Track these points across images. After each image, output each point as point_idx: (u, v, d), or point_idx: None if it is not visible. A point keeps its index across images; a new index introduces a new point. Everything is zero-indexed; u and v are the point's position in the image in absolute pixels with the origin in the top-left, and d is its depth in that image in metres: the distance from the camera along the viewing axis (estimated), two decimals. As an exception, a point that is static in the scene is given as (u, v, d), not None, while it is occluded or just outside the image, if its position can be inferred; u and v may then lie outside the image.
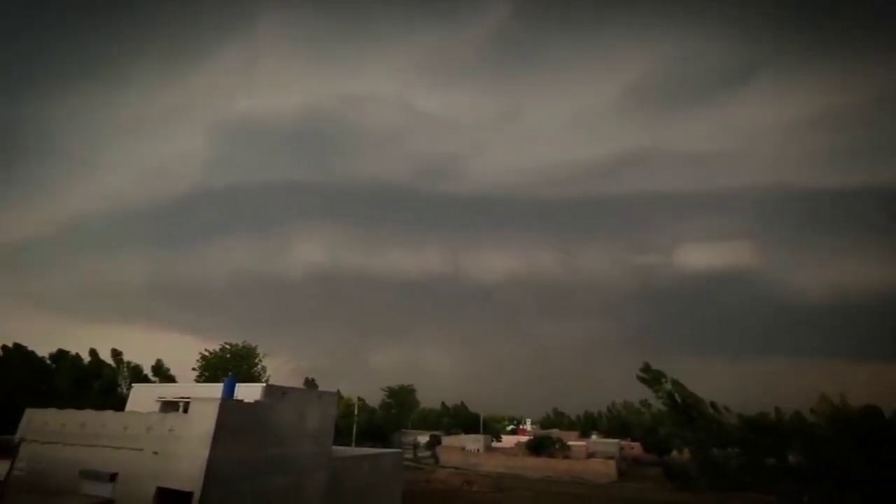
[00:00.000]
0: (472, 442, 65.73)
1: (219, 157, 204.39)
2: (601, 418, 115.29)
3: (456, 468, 55.70)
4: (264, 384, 20.41)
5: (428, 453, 63.47)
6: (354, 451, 29.25)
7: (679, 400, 54.82)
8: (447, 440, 68.97)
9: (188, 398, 19.02)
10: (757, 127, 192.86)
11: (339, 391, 23.39)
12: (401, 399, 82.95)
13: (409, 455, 62.72)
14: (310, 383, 79.59)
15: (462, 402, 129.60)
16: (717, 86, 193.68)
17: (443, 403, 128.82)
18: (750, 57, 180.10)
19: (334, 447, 27.81)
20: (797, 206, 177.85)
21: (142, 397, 22.57)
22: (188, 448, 16.11)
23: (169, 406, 21.14)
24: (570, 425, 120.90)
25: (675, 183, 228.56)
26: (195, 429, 16.39)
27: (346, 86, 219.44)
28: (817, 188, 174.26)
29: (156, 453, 16.63)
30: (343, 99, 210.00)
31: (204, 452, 15.69)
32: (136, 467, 16.70)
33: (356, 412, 57.82)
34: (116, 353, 51.59)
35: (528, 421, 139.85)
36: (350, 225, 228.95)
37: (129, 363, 51.35)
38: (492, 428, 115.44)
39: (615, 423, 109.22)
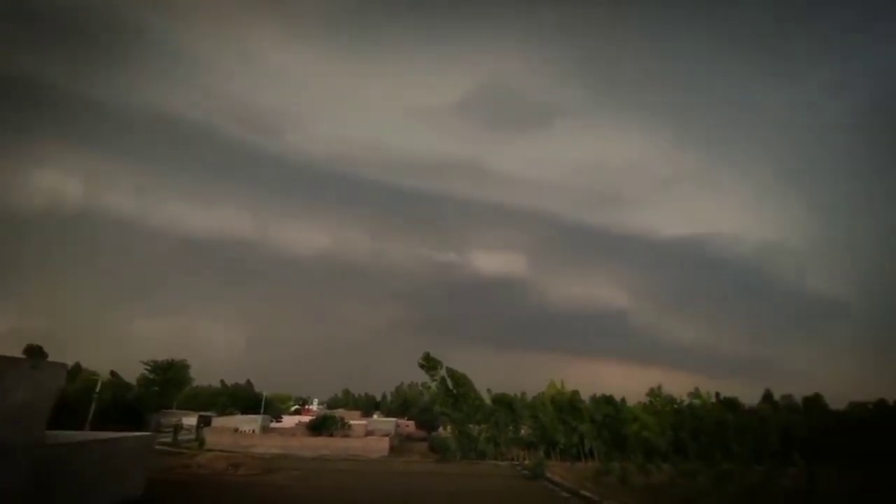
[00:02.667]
0: (248, 423, 61.75)
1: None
2: (385, 399, 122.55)
3: (225, 451, 51.51)
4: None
5: (193, 436, 56.87)
6: (85, 435, 24.23)
7: (450, 384, 62.81)
8: (218, 421, 63.09)
9: None
10: (555, 162, 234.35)
11: (66, 364, 19.08)
12: (168, 375, 72.04)
13: (168, 439, 55.23)
14: (34, 351, 62.25)
15: (248, 381, 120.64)
16: (537, 115, 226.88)
17: (222, 382, 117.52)
18: (565, 99, 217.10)
19: (59, 432, 22.69)
20: (564, 235, 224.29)
21: None
22: None
23: None
24: (357, 405, 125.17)
25: (479, 193, 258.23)
26: None
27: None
28: (579, 224, 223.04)
29: None
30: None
31: None
32: None
33: (98, 389, 47.65)
34: None
35: (315, 401, 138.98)
36: (117, 156, 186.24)
37: None
38: (276, 408, 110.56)
39: (397, 404, 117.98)
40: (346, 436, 63.86)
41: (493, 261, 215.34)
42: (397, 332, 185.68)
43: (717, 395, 65.96)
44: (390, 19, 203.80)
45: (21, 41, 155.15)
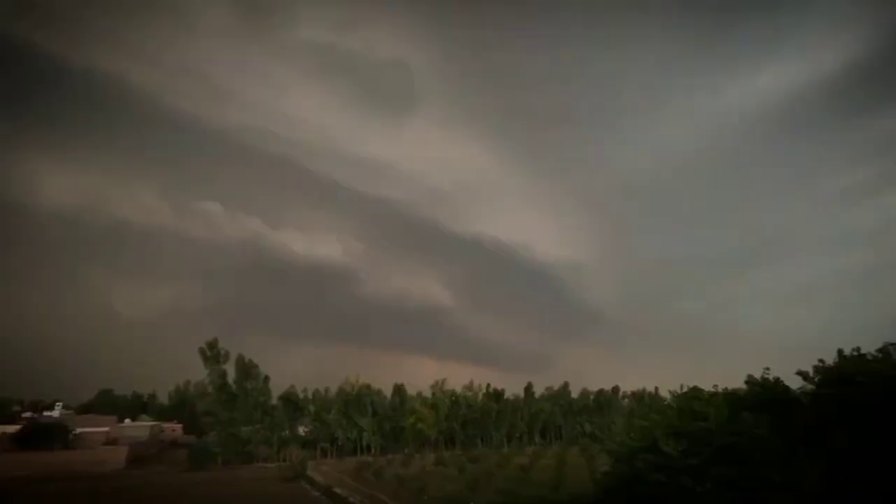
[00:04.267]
0: None
1: None
2: (154, 399, 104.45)
3: None
4: None
5: None
6: None
7: (232, 378, 56.07)
8: None
9: None
10: (400, 152, 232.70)
11: None
12: None
13: None
14: None
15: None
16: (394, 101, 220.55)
17: None
18: (423, 90, 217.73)
19: None
20: (394, 226, 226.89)
21: None
22: None
23: None
24: (117, 408, 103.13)
25: (321, 166, 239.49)
26: None
27: None
28: (411, 217, 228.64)
29: None
30: None
31: None
32: None
33: None
34: None
35: (59, 405, 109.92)
36: None
37: None
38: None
39: (174, 404, 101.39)
40: (73, 448, 51.22)
41: (315, 243, 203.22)
42: (182, 317, 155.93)
43: (488, 386, 74.68)
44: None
45: None
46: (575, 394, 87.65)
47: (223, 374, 56.05)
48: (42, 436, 51.16)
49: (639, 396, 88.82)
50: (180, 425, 79.25)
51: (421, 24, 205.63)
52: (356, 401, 61.10)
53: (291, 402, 61.41)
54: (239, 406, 55.34)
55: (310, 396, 65.60)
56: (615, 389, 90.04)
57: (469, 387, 71.62)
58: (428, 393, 70.08)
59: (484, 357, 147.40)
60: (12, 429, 55.61)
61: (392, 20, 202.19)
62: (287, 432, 57.79)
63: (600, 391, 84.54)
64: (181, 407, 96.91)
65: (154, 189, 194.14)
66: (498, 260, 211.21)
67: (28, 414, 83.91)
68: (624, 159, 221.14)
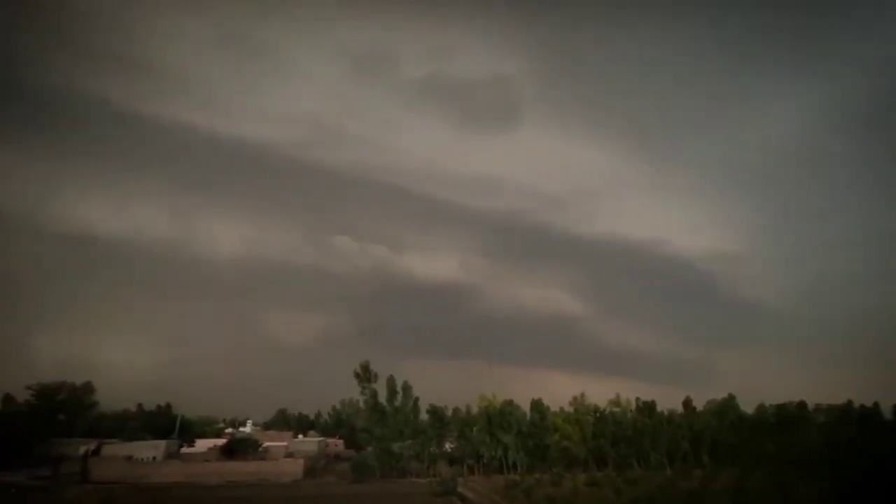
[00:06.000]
0: (146, 449, 56.23)
1: None
2: (319, 418, 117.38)
3: (112, 483, 46.43)
4: None
5: (78, 468, 50.87)
6: None
7: (384, 397, 60.38)
8: (110, 449, 57.04)
9: None
10: (509, 163, 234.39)
11: None
12: (58, 400, 64.65)
13: (48, 473, 49.01)
14: None
15: (167, 404, 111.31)
16: (496, 115, 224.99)
17: (140, 405, 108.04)
18: (516, 100, 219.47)
19: None
20: (512, 238, 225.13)
21: None
22: None
23: None
24: (290, 426, 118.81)
25: (423, 190, 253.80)
26: None
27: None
28: (528, 227, 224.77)
29: None
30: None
31: None
32: None
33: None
34: None
35: (250, 423, 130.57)
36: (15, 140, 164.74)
37: None
38: (202, 432, 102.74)
39: (333, 422, 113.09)
40: (263, 459, 59.82)
41: (437, 263, 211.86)
42: (333, 343, 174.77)
43: (638, 400, 67.82)
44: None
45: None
46: (745, 407, 75.08)
47: (375, 394, 60.51)
48: (239, 448, 60.90)
49: (842, 411, 72.46)
50: (342, 441, 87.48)
51: (511, 37, 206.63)
52: (498, 417, 60.49)
53: (437, 418, 63.23)
54: (389, 423, 58.98)
55: (449, 414, 66.99)
56: (801, 404, 74.61)
57: (615, 401, 66.06)
58: (567, 408, 66.52)
59: (622, 368, 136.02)
60: (220, 442, 67.54)
61: (484, 39, 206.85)
62: (435, 448, 59.58)
63: (782, 405, 70.90)
64: (340, 424, 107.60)
65: (300, 232, 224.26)
66: (630, 259, 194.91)
67: (229, 430, 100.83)
68: (757, 135, 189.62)
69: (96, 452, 55.67)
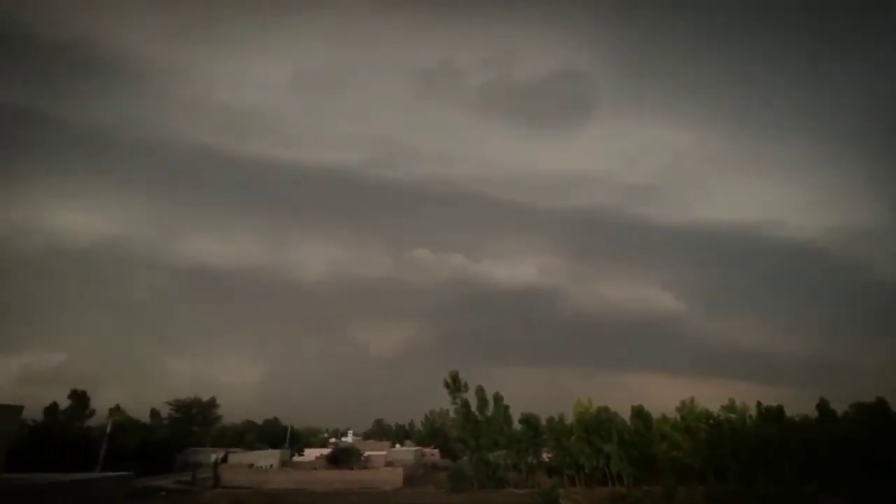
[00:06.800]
0: (265, 458, 61.68)
1: None
2: (413, 428, 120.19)
3: (238, 488, 51.40)
4: None
5: (210, 474, 57.23)
6: (50, 477, 24.42)
7: (475, 406, 60.42)
8: (235, 457, 63.37)
9: None
10: (587, 156, 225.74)
11: (20, 407, 19.35)
12: (193, 414, 73.51)
13: (188, 478, 55.69)
14: (79, 396, 65.02)
15: (275, 418, 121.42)
16: (567, 107, 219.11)
17: (248, 420, 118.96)
18: (589, 93, 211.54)
19: (24, 475, 23.00)
20: (598, 235, 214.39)
21: None
22: None
23: None
24: (387, 436, 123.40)
25: (501, 195, 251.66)
26: None
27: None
28: (615, 221, 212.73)
29: None
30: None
31: None
32: None
33: (109, 429, 48.93)
34: None
35: (350, 433, 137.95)
36: (135, 193, 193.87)
37: None
38: (308, 441, 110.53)
39: (427, 432, 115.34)
40: (365, 468, 62.61)
41: (517, 267, 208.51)
42: (420, 353, 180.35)
43: (759, 405, 60.27)
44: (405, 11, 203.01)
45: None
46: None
47: (466, 403, 60.68)
48: (343, 457, 64.37)
49: None
50: (437, 450, 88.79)
51: (573, 27, 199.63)
52: (596, 425, 57.42)
53: (532, 426, 61.62)
54: (483, 432, 58.65)
55: (542, 422, 64.87)
56: None
57: (730, 406, 59.36)
58: (673, 414, 61.04)
59: (733, 368, 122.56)
60: (325, 452, 72.13)
61: (544, 34, 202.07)
62: (532, 458, 58.02)
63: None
64: (434, 434, 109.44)
65: (380, 249, 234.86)
66: (734, 247, 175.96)
67: (333, 440, 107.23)
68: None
69: (224, 460, 62.22)
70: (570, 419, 62.46)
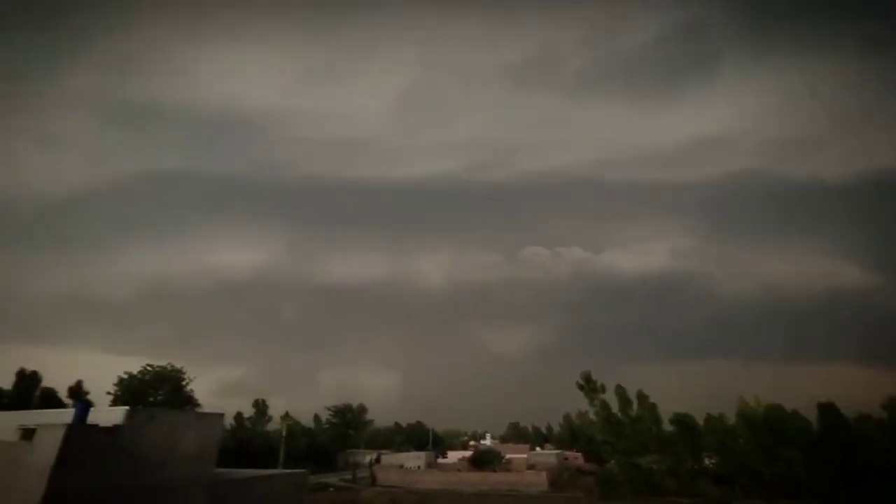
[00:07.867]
0: (413, 459, 65.44)
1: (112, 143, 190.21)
2: (552, 430, 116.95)
3: (391, 487, 55.29)
4: (127, 408, 20.07)
5: (367, 474, 62.71)
6: (246, 472, 28.76)
7: (616, 407, 56.55)
8: (386, 458, 68.36)
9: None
10: (713, 120, 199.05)
11: (222, 413, 23.21)
12: (348, 418, 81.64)
13: (349, 476, 61.75)
14: (260, 404, 77.33)
15: (418, 421, 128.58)
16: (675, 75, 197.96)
17: (396, 423, 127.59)
18: (708, 49, 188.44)
19: (227, 470, 27.40)
20: (741, 203, 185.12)
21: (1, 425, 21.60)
22: (25, 482, 15.57)
23: (31, 434, 20.37)
24: (525, 438, 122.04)
25: (625, 175, 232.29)
26: (37, 459, 15.89)
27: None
28: (761, 184, 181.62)
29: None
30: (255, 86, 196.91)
31: (40, 486, 15.16)
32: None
33: (284, 433, 56.56)
34: (25, 375, 48.81)
35: (489, 435, 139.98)
36: (274, 229, 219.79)
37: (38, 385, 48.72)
38: (450, 444, 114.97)
39: (566, 434, 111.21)
40: (507, 470, 62.60)
41: (644, 254, 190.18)
42: (551, 353, 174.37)
43: None
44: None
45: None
46: None
47: (605, 405, 56.98)
48: (485, 459, 65.20)
49: None
50: (580, 454, 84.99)
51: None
52: (769, 425, 49.22)
53: (687, 428, 55.36)
54: (629, 434, 54.32)
55: (700, 423, 57.68)
56: None
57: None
58: (879, 412, 49.22)
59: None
60: (467, 454, 74.01)
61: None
62: (691, 464, 51.96)
63: None
64: (573, 436, 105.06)
65: (494, 250, 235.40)
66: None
67: (472, 442, 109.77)
68: None
69: (377, 461, 67.73)
70: (730, 419, 54.77)
